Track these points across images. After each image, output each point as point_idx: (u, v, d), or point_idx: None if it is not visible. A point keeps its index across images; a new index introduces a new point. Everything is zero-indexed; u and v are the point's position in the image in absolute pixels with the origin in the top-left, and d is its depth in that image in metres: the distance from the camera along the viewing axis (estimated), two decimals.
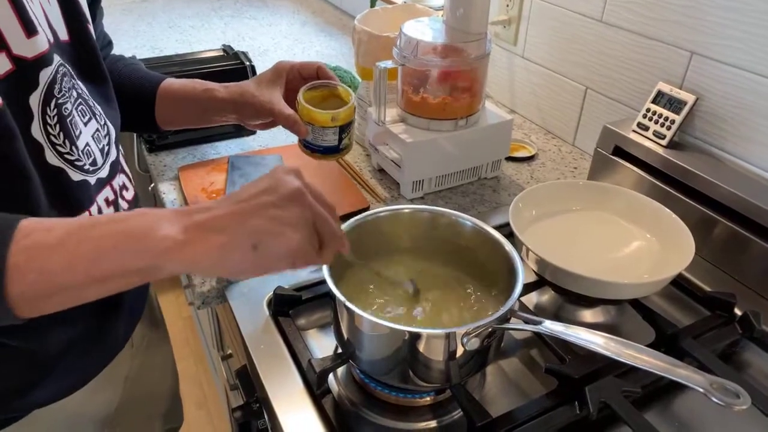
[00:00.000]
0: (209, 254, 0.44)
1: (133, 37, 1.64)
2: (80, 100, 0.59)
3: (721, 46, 0.82)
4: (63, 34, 0.57)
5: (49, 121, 0.53)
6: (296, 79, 0.79)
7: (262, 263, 0.46)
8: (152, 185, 1.09)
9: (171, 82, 0.80)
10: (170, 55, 1.17)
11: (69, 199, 0.56)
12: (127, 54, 0.86)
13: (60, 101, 0.54)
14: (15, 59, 0.49)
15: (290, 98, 0.78)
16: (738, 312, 0.70)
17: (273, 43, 1.64)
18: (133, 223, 0.44)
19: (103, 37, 0.78)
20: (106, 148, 0.63)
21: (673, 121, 0.87)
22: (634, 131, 0.91)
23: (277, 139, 1.11)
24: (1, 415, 0.60)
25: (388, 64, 0.89)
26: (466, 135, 0.95)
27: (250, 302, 0.73)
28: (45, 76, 0.52)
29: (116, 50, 0.83)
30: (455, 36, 0.91)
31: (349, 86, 1.26)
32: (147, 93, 0.79)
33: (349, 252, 0.54)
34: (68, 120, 0.56)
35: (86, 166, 0.58)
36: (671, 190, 0.85)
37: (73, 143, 0.56)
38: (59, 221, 0.44)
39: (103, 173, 0.61)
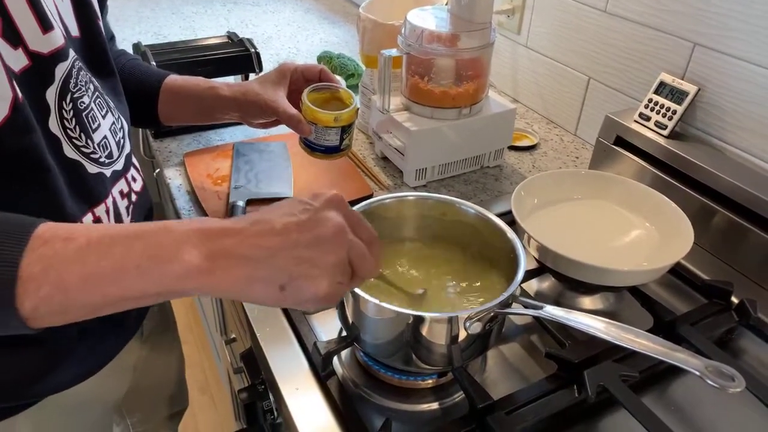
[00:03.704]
0: (234, 285, 0.41)
1: (136, 22, 1.64)
2: (97, 93, 0.60)
3: (724, 38, 0.83)
4: (74, 30, 0.58)
5: (65, 115, 0.54)
6: (299, 80, 0.81)
7: (285, 302, 0.43)
8: (157, 171, 1.09)
9: (174, 79, 0.80)
10: (175, 41, 1.17)
11: (86, 191, 0.57)
12: (132, 40, 0.87)
13: (75, 95, 0.55)
14: (32, 55, 0.50)
15: (293, 99, 0.79)
16: (735, 300, 0.72)
17: (276, 30, 1.64)
18: (157, 242, 0.41)
19: (107, 31, 0.79)
20: (122, 141, 0.64)
21: (674, 112, 0.88)
22: (635, 121, 0.92)
23: (282, 126, 1.11)
24: (15, 401, 0.61)
25: (393, 52, 0.89)
26: (470, 124, 0.96)
27: None
28: (60, 71, 0.53)
29: (120, 36, 0.84)
30: (460, 25, 0.92)
31: (353, 74, 1.27)
32: (150, 89, 0.79)
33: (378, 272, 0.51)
34: (85, 114, 0.56)
35: (102, 159, 0.59)
36: (672, 180, 0.86)
37: (89, 137, 0.57)
38: (78, 229, 0.41)
39: (119, 166, 0.62)
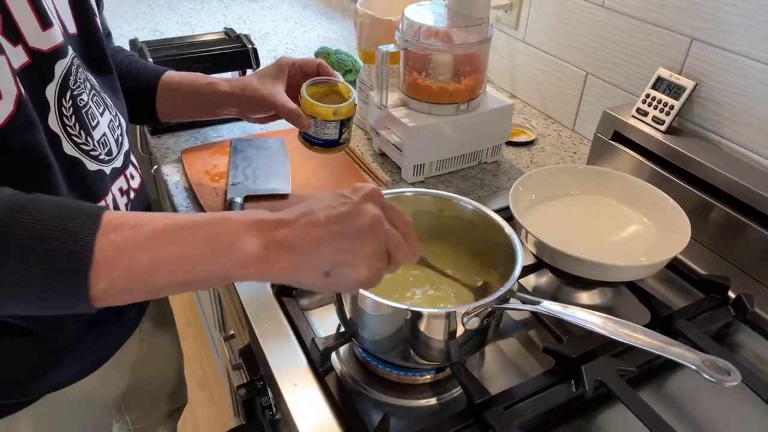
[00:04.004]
0: (285, 272, 0.45)
1: (133, 18, 1.63)
2: (94, 91, 0.60)
3: (721, 32, 0.83)
4: (71, 27, 0.57)
5: (65, 112, 0.54)
6: (297, 75, 0.81)
7: (328, 286, 0.47)
8: (155, 167, 1.09)
9: (172, 75, 0.80)
10: (172, 37, 1.17)
11: (86, 188, 0.57)
12: (129, 36, 0.87)
13: (75, 93, 0.55)
14: (31, 52, 0.50)
15: (290, 94, 0.79)
16: (732, 295, 0.72)
17: (274, 26, 1.64)
18: (219, 231, 0.44)
19: (103, 28, 0.78)
20: (120, 138, 0.64)
21: (672, 107, 0.88)
22: (633, 117, 0.92)
23: (279, 122, 1.11)
24: (16, 399, 0.61)
25: (391, 48, 0.89)
26: (467, 119, 0.96)
27: (255, 283, 0.75)
28: (60, 68, 0.53)
29: (117, 32, 0.84)
30: (457, 20, 0.92)
31: (351, 69, 1.27)
32: (148, 85, 0.79)
33: (417, 258, 0.54)
34: (84, 111, 0.56)
35: (102, 156, 0.59)
36: (669, 175, 0.86)
37: (88, 134, 0.57)
38: (142, 217, 0.43)
39: (118, 163, 0.62)
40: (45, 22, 0.50)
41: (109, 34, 0.80)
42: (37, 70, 0.50)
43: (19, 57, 0.48)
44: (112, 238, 0.41)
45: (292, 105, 0.77)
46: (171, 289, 0.44)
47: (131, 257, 0.41)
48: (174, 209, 0.91)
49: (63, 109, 0.54)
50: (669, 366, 0.66)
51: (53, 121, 0.53)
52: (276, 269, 0.45)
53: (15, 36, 0.48)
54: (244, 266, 0.44)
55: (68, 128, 0.55)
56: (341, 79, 0.83)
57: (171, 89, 0.80)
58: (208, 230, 0.44)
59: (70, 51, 0.55)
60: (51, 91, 0.52)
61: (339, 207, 0.47)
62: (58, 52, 0.52)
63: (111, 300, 0.42)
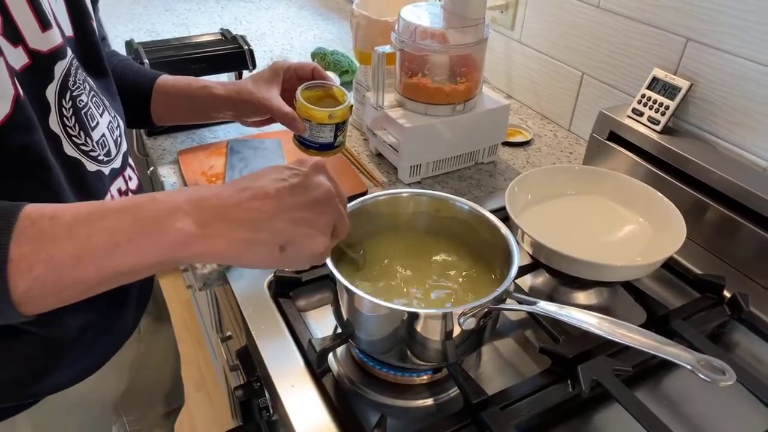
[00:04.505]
0: (232, 248, 0.43)
1: (129, 20, 1.63)
2: (93, 92, 0.60)
3: (716, 33, 0.83)
4: (68, 30, 0.57)
5: (65, 113, 0.54)
6: (292, 78, 0.81)
7: (284, 262, 0.46)
8: (151, 169, 1.09)
9: (167, 79, 0.80)
10: (168, 38, 1.17)
11: (85, 189, 0.57)
12: (125, 37, 0.86)
13: (74, 94, 0.55)
14: (31, 53, 0.50)
15: (285, 98, 0.79)
16: (727, 294, 0.72)
17: (270, 26, 1.64)
18: (147, 213, 0.41)
19: (99, 32, 0.78)
20: (119, 139, 0.64)
21: (667, 107, 0.88)
22: (629, 117, 0.93)
23: (276, 124, 1.11)
24: (15, 401, 0.61)
25: (387, 48, 0.89)
26: (464, 120, 0.96)
27: (251, 284, 0.75)
28: (60, 69, 0.53)
29: (112, 33, 0.83)
30: (453, 21, 0.92)
31: (347, 70, 1.27)
32: (143, 89, 0.79)
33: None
34: (83, 112, 0.56)
35: (101, 157, 0.59)
36: (664, 175, 0.87)
37: (88, 135, 0.57)
38: (63, 207, 0.41)
39: (117, 164, 0.62)
40: (44, 24, 0.50)
41: (104, 38, 0.80)
42: (37, 71, 0.50)
43: (19, 58, 0.49)
44: (29, 233, 0.38)
45: (288, 108, 0.77)
46: (102, 282, 0.41)
47: (50, 251, 0.38)
48: None
49: (63, 109, 0.54)
50: (665, 366, 0.66)
51: (54, 122, 0.53)
52: (218, 246, 0.42)
53: (15, 37, 0.48)
54: (179, 247, 0.41)
55: (68, 129, 0.55)
56: (336, 82, 0.83)
57: (166, 93, 0.80)
58: (133, 213, 0.41)
59: (69, 52, 0.55)
60: (51, 92, 0.52)
61: (289, 179, 0.45)
62: (57, 53, 0.52)
63: (38, 303, 0.40)
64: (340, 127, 0.80)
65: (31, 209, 0.40)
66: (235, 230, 0.42)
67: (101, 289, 0.42)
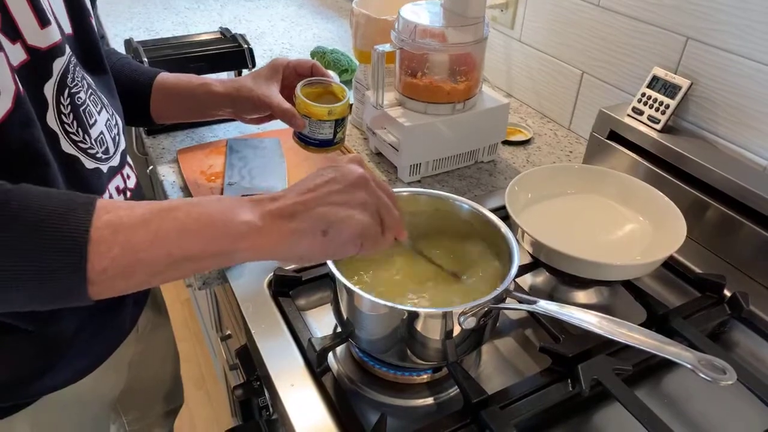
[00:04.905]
0: (282, 241, 0.46)
1: (128, 18, 1.62)
2: (91, 89, 0.59)
3: (716, 32, 0.83)
4: (67, 28, 0.57)
5: (63, 110, 0.54)
6: (292, 75, 0.81)
7: (331, 247, 0.48)
8: (150, 168, 1.09)
9: (166, 76, 0.80)
10: (167, 37, 1.17)
11: (83, 186, 0.57)
12: (124, 36, 0.86)
13: (73, 90, 0.55)
14: (30, 49, 0.50)
15: (286, 95, 0.79)
16: (727, 293, 0.72)
17: (270, 25, 1.64)
18: (213, 208, 0.45)
19: (98, 30, 0.78)
20: (117, 137, 0.64)
21: (667, 106, 0.88)
22: (629, 116, 0.92)
23: (275, 122, 1.11)
24: (14, 401, 0.61)
25: (386, 47, 0.89)
26: (464, 119, 0.96)
27: (251, 283, 0.75)
28: (58, 66, 0.53)
29: (111, 32, 0.83)
30: (453, 20, 0.91)
31: (346, 69, 1.27)
32: (142, 87, 0.79)
33: (405, 238, 0.56)
34: (81, 109, 0.56)
35: (99, 155, 0.59)
36: (665, 174, 0.87)
37: (86, 132, 0.57)
38: (135, 202, 0.45)
39: (115, 162, 0.62)
40: (43, 21, 0.50)
41: (103, 37, 0.80)
42: (35, 67, 0.50)
43: (17, 54, 0.48)
44: (107, 218, 0.42)
45: (287, 105, 0.77)
46: (169, 269, 0.44)
47: (127, 235, 0.42)
48: None
49: (61, 106, 0.54)
50: (665, 365, 0.66)
51: (51, 119, 0.53)
52: (271, 239, 0.46)
53: (14, 33, 0.48)
54: (243, 237, 0.45)
55: (66, 126, 0.54)
56: (336, 79, 0.83)
57: (165, 91, 0.79)
58: (203, 206, 0.45)
59: (68, 50, 0.55)
60: (49, 89, 0.52)
61: (326, 174, 0.50)
62: (56, 50, 0.52)
63: (109, 284, 0.42)
64: (339, 123, 0.80)
65: (106, 202, 0.43)
66: (285, 224, 0.46)
67: (166, 277, 0.45)
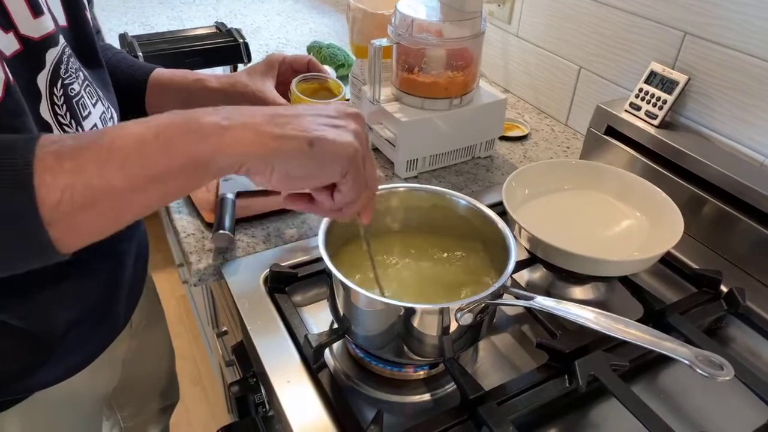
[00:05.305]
0: (260, 140, 0.41)
1: (123, 13, 1.61)
2: (87, 81, 0.59)
3: (713, 27, 0.82)
4: (61, 20, 0.57)
5: (56, 101, 0.53)
6: (288, 71, 0.80)
7: (313, 164, 0.44)
8: None
9: (162, 72, 0.79)
10: (163, 32, 1.16)
11: None
12: (119, 30, 0.85)
13: (66, 82, 0.54)
14: (23, 39, 0.49)
15: (281, 91, 0.79)
16: (724, 289, 0.72)
17: (266, 20, 1.63)
18: (170, 116, 0.41)
19: (93, 25, 0.77)
20: None
21: (665, 101, 0.88)
22: (626, 111, 0.92)
23: None
24: (3, 397, 0.60)
25: (383, 42, 0.89)
26: (461, 114, 0.96)
27: (247, 279, 0.74)
28: (51, 56, 0.52)
29: (106, 27, 0.82)
30: (450, 14, 0.91)
31: (343, 64, 1.26)
32: (137, 82, 0.78)
33: (368, 222, 0.53)
34: (75, 101, 0.56)
35: None
36: (662, 170, 0.86)
37: (79, 124, 0.56)
38: (85, 132, 0.41)
39: None
40: (36, 10, 0.50)
41: (98, 31, 0.79)
42: (28, 57, 0.50)
43: (10, 44, 0.48)
44: (52, 149, 0.38)
45: (282, 101, 0.77)
46: (134, 194, 0.40)
47: (75, 159, 0.38)
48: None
49: (54, 97, 0.53)
50: (662, 360, 0.66)
51: (44, 110, 0.52)
52: (247, 139, 0.41)
53: (6, 23, 0.47)
54: (207, 139, 0.40)
55: (59, 117, 0.54)
56: (333, 75, 0.83)
57: (160, 86, 0.79)
58: (159, 119, 0.41)
59: (62, 40, 0.54)
60: (42, 80, 0.52)
61: (320, 110, 0.46)
62: (49, 41, 0.52)
63: (70, 223, 0.38)
64: None
65: (54, 135, 0.39)
66: (262, 126, 0.42)
67: (134, 205, 0.41)
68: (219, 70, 1.17)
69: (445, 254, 0.68)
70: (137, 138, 0.39)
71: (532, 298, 0.57)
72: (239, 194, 0.88)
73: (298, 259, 0.77)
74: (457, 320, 0.55)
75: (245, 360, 0.75)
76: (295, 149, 0.42)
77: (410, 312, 0.55)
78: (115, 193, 0.39)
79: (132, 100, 0.78)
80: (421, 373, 0.64)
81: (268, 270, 0.74)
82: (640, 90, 0.91)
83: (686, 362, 0.49)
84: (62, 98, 0.54)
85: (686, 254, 0.80)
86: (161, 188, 0.40)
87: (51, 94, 0.53)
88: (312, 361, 0.62)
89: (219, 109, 0.42)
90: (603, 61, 1.03)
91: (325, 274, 0.60)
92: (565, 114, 1.15)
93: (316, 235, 0.79)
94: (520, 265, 0.75)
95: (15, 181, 0.36)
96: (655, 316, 0.68)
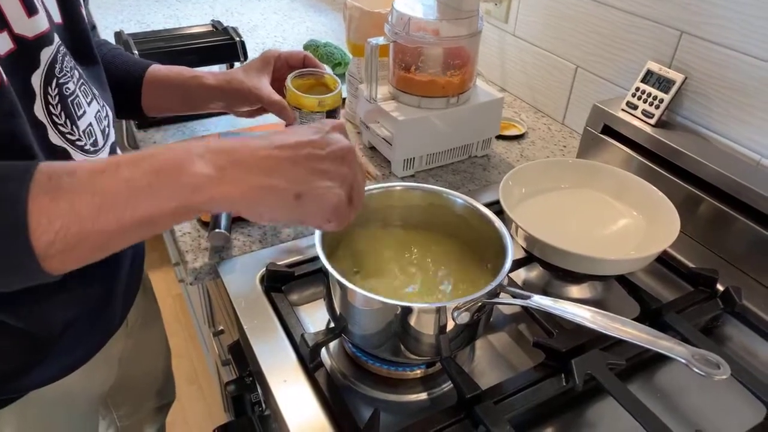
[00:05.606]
0: (248, 194, 0.42)
1: (119, 11, 1.61)
2: (82, 80, 0.58)
3: (710, 26, 0.83)
4: (56, 17, 0.56)
5: (50, 101, 0.53)
6: (283, 67, 0.80)
7: (300, 212, 0.45)
8: None
9: (158, 68, 0.79)
10: (159, 29, 1.16)
11: None
12: (114, 28, 0.85)
13: (61, 81, 0.54)
14: (16, 38, 0.49)
15: (277, 87, 0.79)
16: (720, 287, 0.72)
17: (262, 18, 1.62)
18: (162, 159, 0.41)
19: (88, 21, 0.77)
20: (107, 129, 0.63)
21: (661, 101, 0.88)
22: (623, 110, 0.92)
23: (268, 116, 1.10)
24: None
25: (380, 40, 0.89)
26: (457, 113, 0.95)
27: (243, 278, 0.74)
28: (46, 55, 0.52)
29: (102, 24, 0.82)
30: (447, 13, 0.91)
31: (340, 62, 1.26)
32: (133, 79, 0.78)
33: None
34: (70, 100, 0.55)
35: (87, 147, 0.58)
36: (658, 169, 0.87)
37: (74, 123, 0.56)
38: (78, 163, 0.41)
39: (104, 154, 0.61)
40: (30, 9, 0.49)
41: (94, 27, 0.79)
42: (22, 57, 0.49)
43: (4, 43, 0.48)
44: (47, 187, 0.38)
45: (277, 97, 0.76)
46: (124, 233, 0.40)
47: (70, 202, 0.38)
48: None
49: (49, 97, 0.53)
50: (659, 359, 0.66)
51: (39, 110, 0.52)
52: (235, 192, 0.42)
53: (0, 22, 0.47)
54: (197, 191, 0.41)
55: (54, 117, 0.53)
56: (328, 70, 0.82)
57: (157, 83, 0.78)
58: (149, 161, 0.41)
59: (56, 39, 0.54)
60: (37, 79, 0.51)
61: (310, 135, 0.46)
62: (43, 40, 0.51)
63: (63, 258, 0.39)
64: (331, 114, 0.79)
65: (46, 166, 0.39)
66: (252, 176, 0.42)
67: (124, 242, 0.42)
68: (215, 69, 1.17)
69: (442, 253, 0.68)
70: (127, 186, 0.40)
71: (528, 297, 0.57)
72: None
73: (294, 258, 0.77)
74: (453, 319, 0.55)
75: (242, 359, 0.75)
76: (281, 201, 0.44)
77: (407, 311, 0.55)
78: (107, 234, 0.40)
79: (128, 96, 0.78)
80: (418, 372, 0.64)
81: (264, 269, 0.74)
82: (637, 89, 0.91)
83: (683, 361, 0.49)
84: (57, 98, 0.53)
85: (683, 253, 0.80)
86: (151, 228, 0.42)
87: (45, 93, 0.52)
88: (308, 360, 0.62)
89: (211, 150, 0.42)
90: (600, 60, 1.03)
91: (322, 273, 0.60)
92: (561, 113, 1.15)
93: (312, 234, 0.79)
94: (517, 264, 0.75)
95: (8, 221, 0.37)
96: (651, 315, 0.68)
